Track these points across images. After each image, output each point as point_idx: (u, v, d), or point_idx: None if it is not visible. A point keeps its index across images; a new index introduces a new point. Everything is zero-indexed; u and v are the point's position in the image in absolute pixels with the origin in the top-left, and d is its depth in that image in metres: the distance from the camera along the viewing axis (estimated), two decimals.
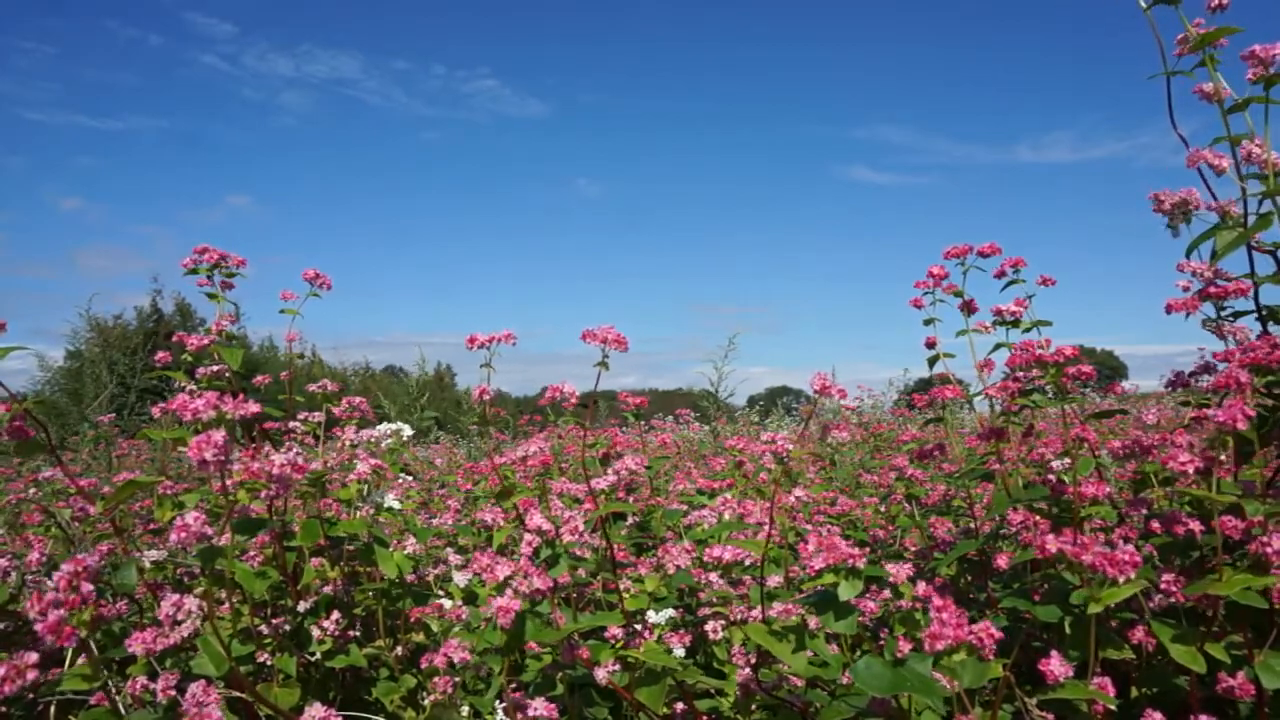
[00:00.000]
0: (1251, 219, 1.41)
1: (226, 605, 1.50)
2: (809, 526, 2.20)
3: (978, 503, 1.81)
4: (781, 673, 1.42)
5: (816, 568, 0.99)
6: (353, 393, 1.84)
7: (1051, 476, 1.47)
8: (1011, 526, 1.47)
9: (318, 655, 1.53)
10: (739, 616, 1.52)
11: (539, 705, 1.15)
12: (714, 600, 1.58)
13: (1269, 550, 1.05)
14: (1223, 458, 1.11)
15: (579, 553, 1.40)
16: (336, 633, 1.53)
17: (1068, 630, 1.22)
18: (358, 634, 1.61)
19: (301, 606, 1.55)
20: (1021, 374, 1.50)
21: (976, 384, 1.80)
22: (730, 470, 2.55)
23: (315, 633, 1.52)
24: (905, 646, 1.09)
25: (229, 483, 1.00)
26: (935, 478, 2.37)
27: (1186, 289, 1.52)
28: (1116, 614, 1.27)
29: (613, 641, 1.30)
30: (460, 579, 1.73)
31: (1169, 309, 1.48)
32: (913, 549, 2.14)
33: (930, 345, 1.91)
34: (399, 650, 1.61)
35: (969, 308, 1.84)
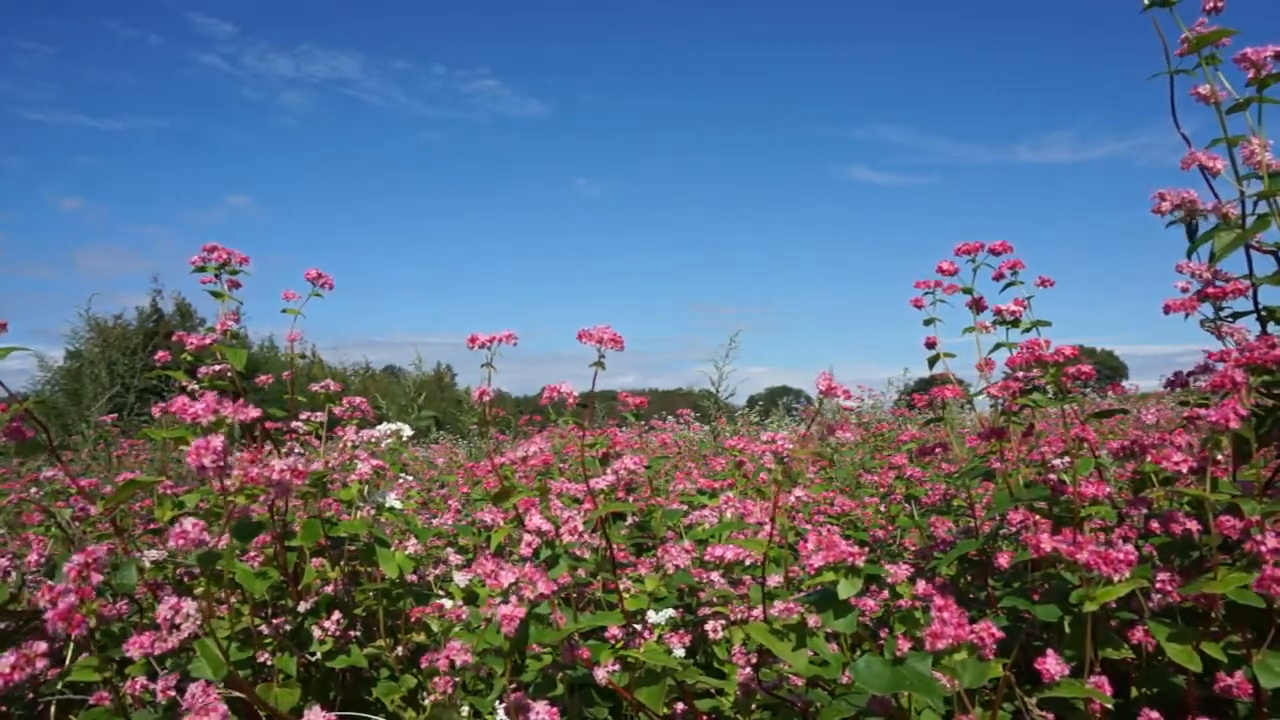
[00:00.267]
0: (1250, 220, 1.41)
1: (226, 605, 1.50)
2: (809, 526, 2.20)
3: (978, 502, 1.81)
4: (782, 672, 1.42)
5: (816, 566, 0.99)
6: (353, 393, 1.84)
7: (1052, 476, 1.47)
8: (1012, 526, 1.48)
9: (318, 655, 1.53)
10: (739, 616, 1.52)
11: (541, 708, 1.16)
12: (714, 600, 1.58)
13: (1264, 549, 1.06)
14: (1219, 457, 1.12)
15: (579, 553, 1.40)
16: (337, 633, 1.53)
17: (1067, 630, 1.22)
18: (358, 634, 1.61)
19: (302, 606, 1.55)
20: (1022, 374, 1.50)
21: (977, 383, 1.80)
22: (730, 470, 2.55)
23: (316, 633, 1.52)
24: (905, 645, 1.10)
25: (228, 485, 1.00)
26: (935, 477, 2.38)
27: (1185, 290, 1.53)
28: (1116, 614, 1.28)
29: (613, 642, 1.31)
30: (461, 579, 1.73)
31: (1167, 309, 1.49)
32: (912, 548, 2.14)
33: (930, 345, 1.92)
34: (399, 650, 1.61)
35: (978, 305, 1.85)
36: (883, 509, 2.55)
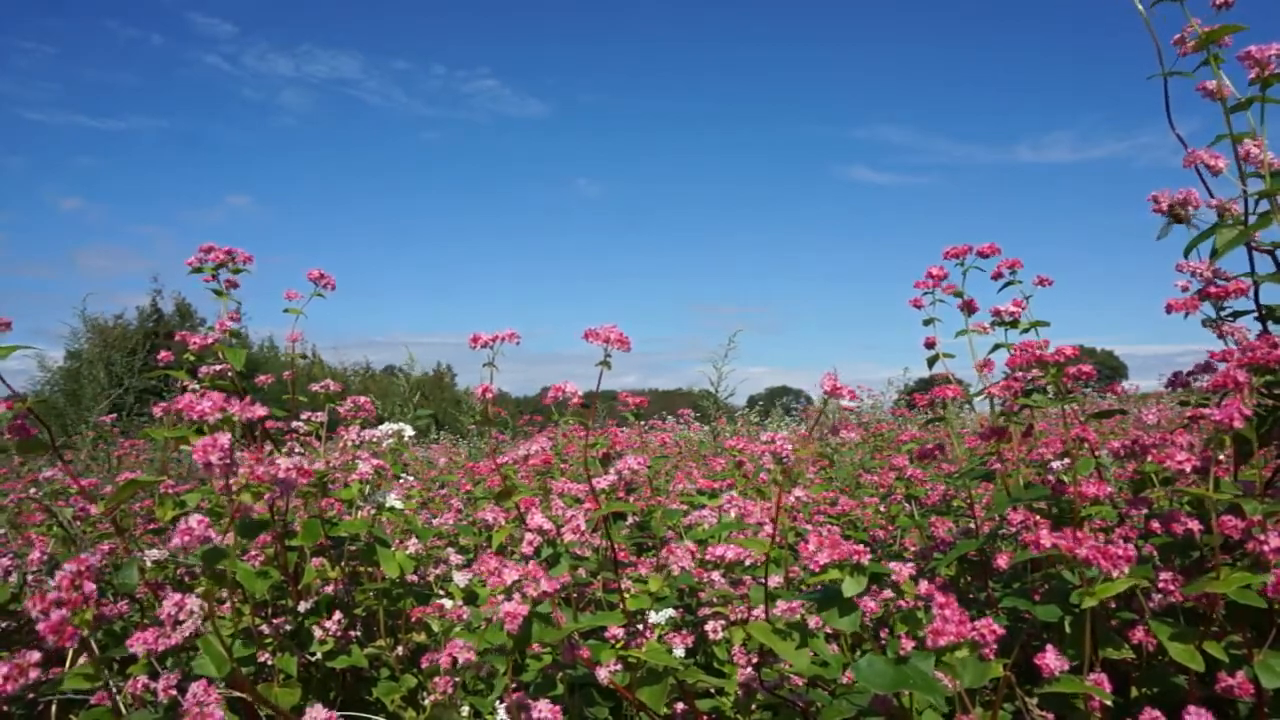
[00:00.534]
0: (1252, 218, 1.42)
1: (228, 605, 1.50)
2: (809, 526, 2.20)
3: (978, 503, 1.81)
4: (783, 672, 1.42)
5: (821, 563, 0.99)
6: (353, 393, 1.84)
7: (1052, 476, 1.47)
8: (1011, 526, 1.47)
9: (319, 655, 1.53)
10: (739, 616, 1.52)
11: (542, 706, 1.16)
12: (714, 600, 1.58)
13: (1267, 549, 1.06)
14: (1221, 457, 1.12)
15: (580, 552, 1.40)
16: (338, 633, 1.53)
17: (1067, 630, 1.22)
18: (359, 634, 1.61)
19: (302, 606, 1.55)
20: (1022, 374, 1.50)
21: (977, 384, 1.80)
22: (730, 470, 2.55)
23: (317, 633, 1.52)
24: (908, 645, 1.10)
25: (233, 484, 1.00)
26: (935, 478, 2.38)
27: (1185, 289, 1.53)
28: (1116, 614, 1.28)
29: (614, 641, 1.30)
30: (461, 579, 1.73)
31: (1169, 309, 1.49)
32: (913, 549, 2.14)
33: (930, 345, 1.92)
34: (400, 650, 1.61)
35: (969, 308, 1.85)
36: (883, 509, 2.55)
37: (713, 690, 1.58)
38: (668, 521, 2.10)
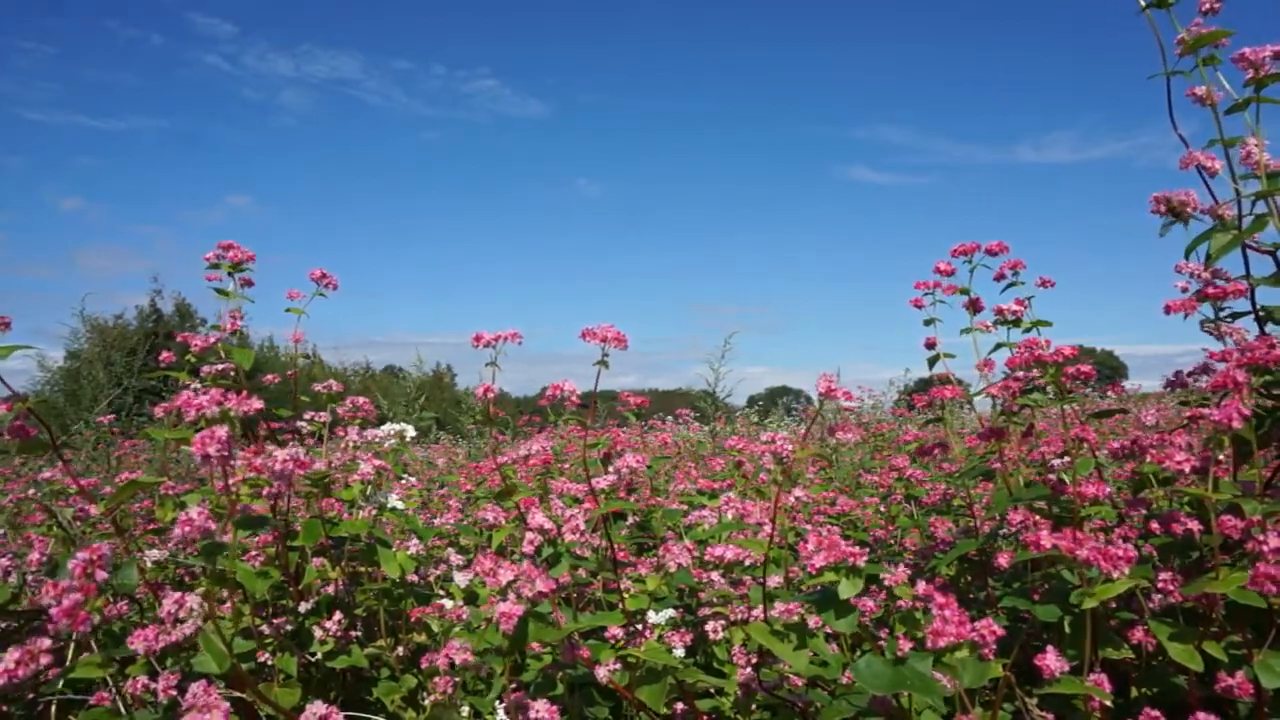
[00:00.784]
0: (1247, 220, 1.42)
1: (228, 605, 1.50)
2: (809, 527, 2.20)
3: (978, 502, 1.81)
4: (782, 672, 1.42)
5: (817, 565, 0.99)
6: (353, 393, 1.84)
7: (1051, 476, 1.47)
8: (1011, 526, 1.48)
9: (319, 655, 1.53)
10: (739, 616, 1.52)
11: (541, 706, 1.16)
12: (714, 600, 1.59)
13: (1266, 548, 1.06)
14: (1220, 457, 1.12)
15: (580, 552, 1.40)
16: (338, 633, 1.53)
17: (1067, 630, 1.22)
18: (359, 634, 1.61)
19: (303, 607, 1.55)
20: (1022, 373, 1.50)
21: (977, 384, 1.80)
22: (730, 470, 2.55)
23: (317, 633, 1.52)
24: (906, 645, 1.10)
25: (232, 480, 1.00)
26: (935, 477, 2.38)
27: (1185, 290, 1.53)
28: (1116, 614, 1.28)
29: (613, 641, 1.31)
30: (461, 579, 1.73)
31: (1168, 310, 1.49)
32: (912, 549, 2.14)
33: (930, 345, 1.92)
34: (400, 650, 1.61)
35: (975, 305, 1.85)
36: (883, 509, 2.55)
37: (712, 690, 1.58)
38: (667, 521, 2.10)
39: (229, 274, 1.73)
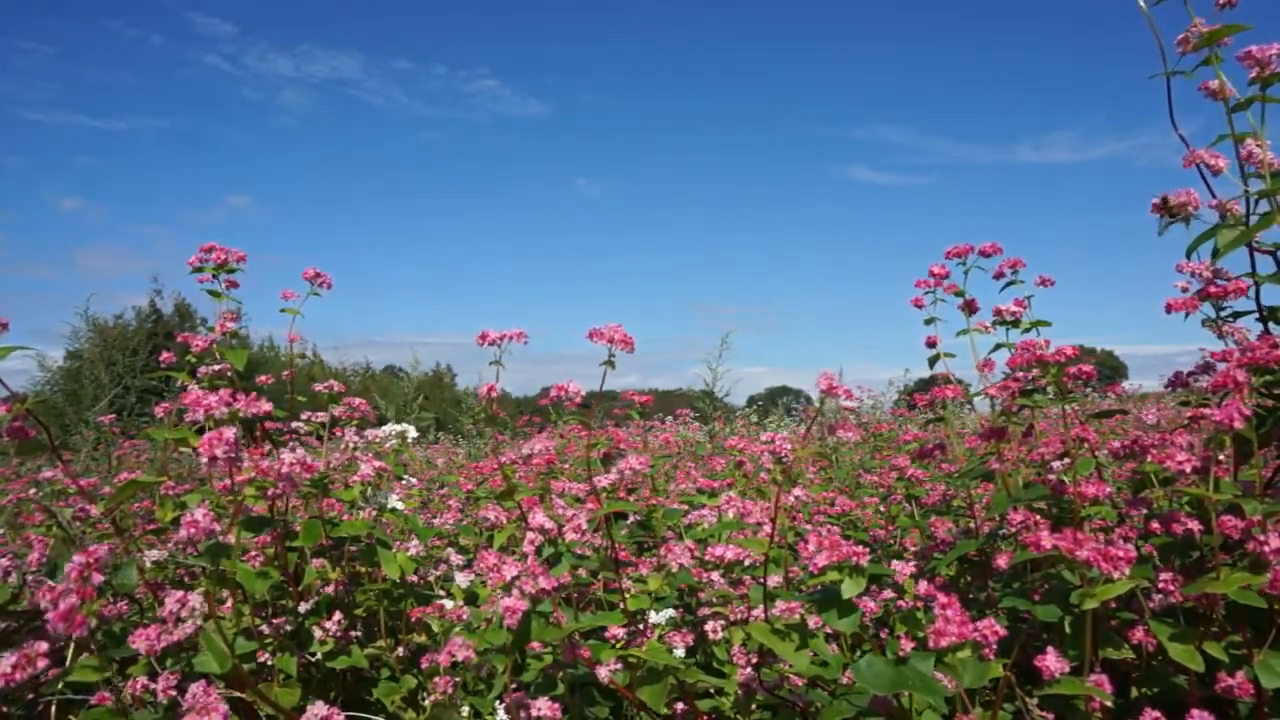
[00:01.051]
0: (1253, 218, 1.42)
1: (228, 605, 1.50)
2: (809, 526, 2.20)
3: (978, 503, 1.81)
4: (783, 672, 1.42)
5: (820, 565, 0.99)
6: (353, 393, 1.84)
7: (1052, 476, 1.47)
8: (1011, 526, 1.48)
9: (319, 656, 1.53)
10: (739, 616, 1.52)
11: (542, 705, 1.16)
12: (714, 600, 1.58)
13: (1267, 549, 1.06)
14: (1221, 457, 1.12)
15: (581, 552, 1.40)
16: (338, 633, 1.53)
17: (1067, 630, 1.22)
18: (359, 634, 1.61)
19: (303, 607, 1.55)
20: (1022, 374, 1.50)
21: (977, 384, 1.80)
22: (730, 470, 2.55)
23: (317, 633, 1.52)
24: (907, 645, 1.10)
25: (237, 481, 1.00)
26: (935, 478, 2.38)
27: (1186, 289, 1.53)
28: (1116, 614, 1.28)
29: (614, 641, 1.31)
30: (462, 580, 1.73)
31: (1169, 309, 1.49)
32: (912, 549, 2.14)
33: (931, 345, 1.92)
34: (400, 651, 1.61)
35: (970, 307, 1.85)
36: (883, 509, 2.55)
37: (712, 690, 1.58)
38: (668, 521, 2.10)
39: (213, 276, 1.73)
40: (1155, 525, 1.27)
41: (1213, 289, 1.46)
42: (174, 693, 1.14)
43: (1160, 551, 1.29)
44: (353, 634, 1.59)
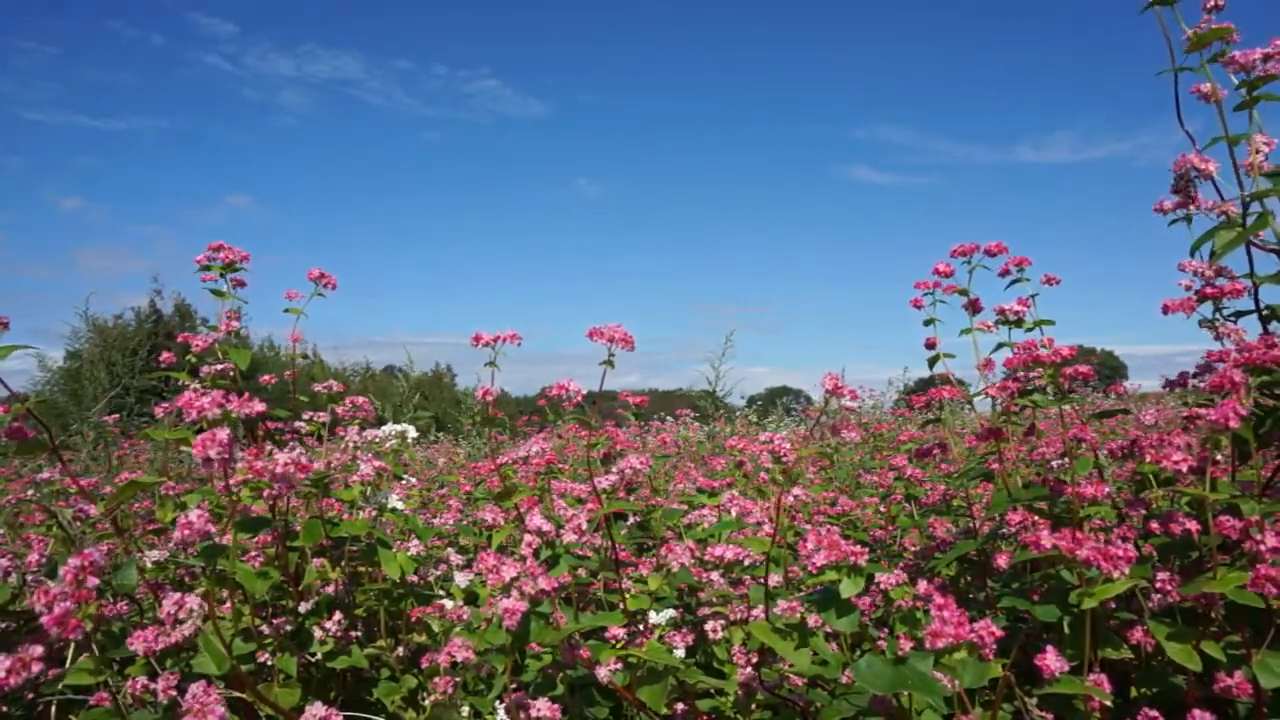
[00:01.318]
0: (1250, 219, 1.42)
1: (228, 605, 1.50)
2: (808, 526, 2.20)
3: (977, 503, 1.81)
4: (783, 672, 1.42)
5: (819, 564, 0.99)
6: (353, 393, 1.84)
7: (1051, 476, 1.47)
8: (1011, 526, 1.48)
9: (319, 656, 1.53)
10: (739, 616, 1.52)
11: (542, 705, 1.16)
12: (714, 600, 1.59)
13: (1263, 548, 1.06)
14: (1219, 457, 1.12)
15: (581, 552, 1.40)
16: (338, 633, 1.53)
17: (1067, 630, 1.22)
18: (359, 634, 1.61)
19: (303, 607, 1.55)
20: (1021, 374, 1.50)
21: (977, 384, 1.80)
22: (730, 470, 2.55)
23: (317, 633, 1.52)
24: (907, 645, 1.10)
25: (232, 481, 1.00)
26: (935, 478, 2.38)
27: (1189, 288, 1.53)
28: (1115, 614, 1.28)
29: (614, 641, 1.31)
30: (462, 580, 1.73)
31: (1166, 309, 1.49)
32: (912, 549, 2.14)
33: (930, 346, 1.92)
34: (400, 651, 1.61)
35: (974, 306, 1.85)
36: (882, 509, 2.55)
37: (712, 690, 1.58)
38: (668, 521, 2.10)
39: (220, 275, 1.73)
40: (1155, 525, 1.27)
41: (1211, 289, 1.46)
42: (173, 693, 1.14)
43: (1160, 551, 1.29)
44: (353, 634, 1.59)
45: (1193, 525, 1.23)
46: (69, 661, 1.33)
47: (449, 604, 1.64)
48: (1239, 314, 1.49)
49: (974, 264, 1.84)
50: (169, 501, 1.61)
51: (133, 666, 1.31)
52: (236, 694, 1.12)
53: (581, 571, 1.52)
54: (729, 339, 5.10)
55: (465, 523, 2.30)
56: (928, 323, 1.90)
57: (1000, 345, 1.76)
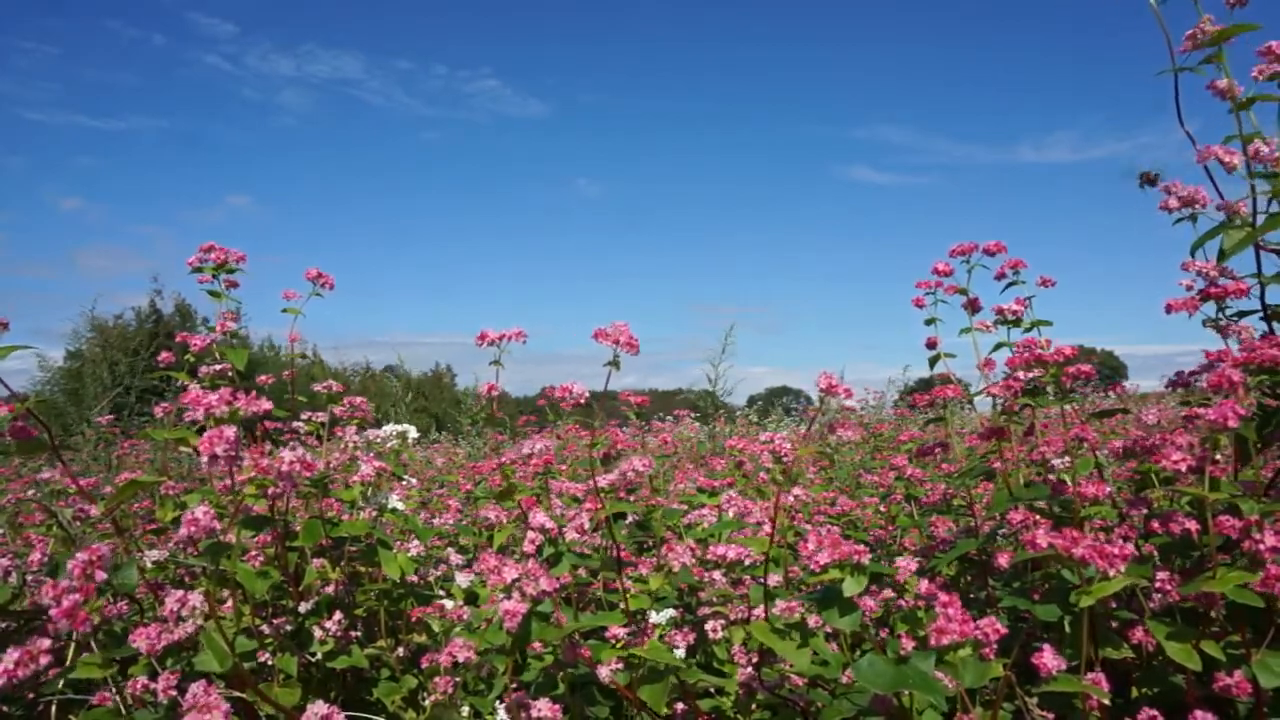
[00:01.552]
0: (1260, 218, 1.41)
1: (228, 605, 1.50)
2: (809, 526, 2.20)
3: (978, 502, 1.81)
4: (783, 671, 1.42)
5: (821, 562, 0.99)
6: (353, 393, 1.84)
7: (1052, 476, 1.47)
8: (1012, 526, 1.48)
9: (319, 655, 1.53)
10: (739, 615, 1.52)
11: (542, 705, 1.16)
12: (714, 599, 1.59)
13: (1263, 547, 1.06)
14: (1219, 457, 1.12)
15: (582, 551, 1.40)
16: (338, 633, 1.53)
17: (1067, 629, 1.22)
18: (359, 634, 1.61)
19: (303, 607, 1.55)
20: (1022, 373, 1.50)
21: (978, 383, 1.80)
22: (731, 470, 2.55)
23: (317, 633, 1.52)
24: (908, 644, 1.10)
25: (237, 480, 1.00)
26: (935, 477, 2.38)
27: (1191, 288, 1.52)
28: (1116, 614, 1.28)
29: (615, 641, 1.31)
30: (462, 580, 1.73)
31: (1169, 309, 1.49)
32: (912, 548, 2.14)
33: (931, 345, 1.92)
34: (400, 651, 1.61)
35: (973, 306, 1.85)
36: (883, 509, 2.55)
37: (713, 690, 1.58)
38: (667, 521, 2.10)
39: (214, 275, 1.73)
40: (1155, 525, 1.28)
41: (1213, 289, 1.46)
42: (174, 692, 1.14)
43: (1160, 551, 1.29)
44: (353, 634, 1.59)
45: (1193, 525, 1.23)
46: (69, 661, 1.33)
47: (449, 604, 1.64)
48: (1242, 314, 1.49)
49: (973, 264, 1.84)
50: (169, 501, 1.61)
51: (134, 666, 1.31)
52: (237, 693, 1.12)
53: (582, 571, 1.52)
54: (729, 334, 5.04)
55: (465, 522, 2.30)
56: (928, 322, 1.90)
57: (999, 345, 1.76)
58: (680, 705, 1.40)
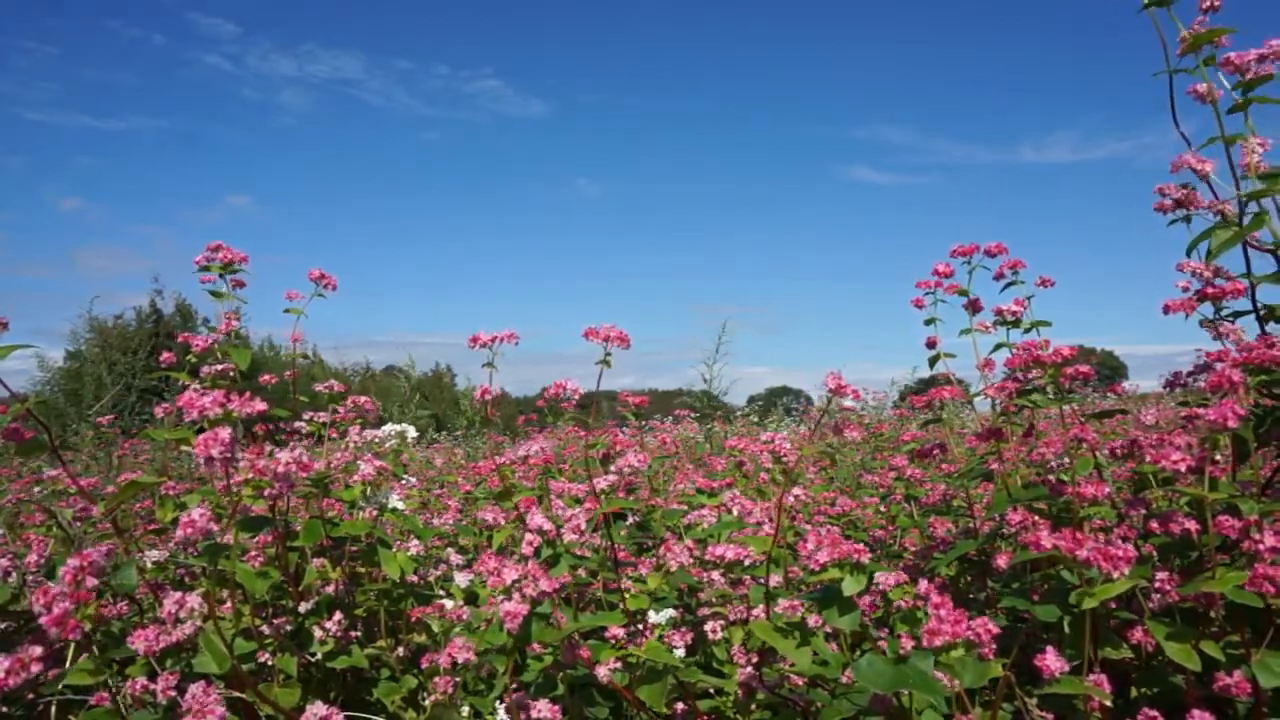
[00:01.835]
0: (1246, 219, 1.42)
1: (228, 605, 1.50)
2: (809, 526, 2.21)
3: (977, 502, 1.81)
4: (783, 671, 1.42)
5: (820, 562, 0.99)
6: (353, 393, 1.84)
7: (1051, 477, 1.47)
8: (1011, 526, 1.48)
9: (319, 656, 1.53)
10: (739, 616, 1.52)
11: (542, 706, 1.16)
12: (713, 600, 1.59)
13: (1262, 547, 1.06)
14: (1218, 457, 1.12)
15: (580, 552, 1.40)
16: (338, 633, 1.53)
17: (1067, 630, 1.22)
18: (359, 634, 1.61)
19: (303, 607, 1.55)
20: (1021, 374, 1.50)
21: (977, 384, 1.80)
22: (730, 470, 2.55)
23: (317, 633, 1.52)
24: (908, 644, 1.10)
25: (234, 481, 1.00)
26: (935, 478, 2.38)
27: (1186, 289, 1.53)
28: (1115, 614, 1.28)
29: (614, 641, 1.31)
30: (461, 580, 1.73)
31: (1167, 309, 1.49)
32: (912, 549, 2.14)
33: (931, 345, 1.92)
34: (400, 651, 1.61)
35: (974, 306, 1.85)
36: (883, 509, 2.55)
37: (712, 690, 1.58)
38: (667, 521, 2.10)
39: (219, 275, 1.73)
40: (1154, 525, 1.28)
41: (1210, 289, 1.47)
42: (173, 693, 1.14)
43: (1160, 551, 1.29)
44: (353, 634, 1.59)
45: (1192, 525, 1.23)
46: (69, 662, 1.33)
47: (449, 604, 1.64)
48: (1237, 314, 1.50)
49: (974, 264, 1.85)
50: (169, 501, 1.61)
51: (133, 667, 1.31)
52: (236, 694, 1.12)
53: (581, 571, 1.52)
54: (723, 332, 4.92)
55: (465, 522, 2.30)
56: (928, 322, 1.90)
57: (999, 345, 1.77)
58: (680, 705, 1.40)
